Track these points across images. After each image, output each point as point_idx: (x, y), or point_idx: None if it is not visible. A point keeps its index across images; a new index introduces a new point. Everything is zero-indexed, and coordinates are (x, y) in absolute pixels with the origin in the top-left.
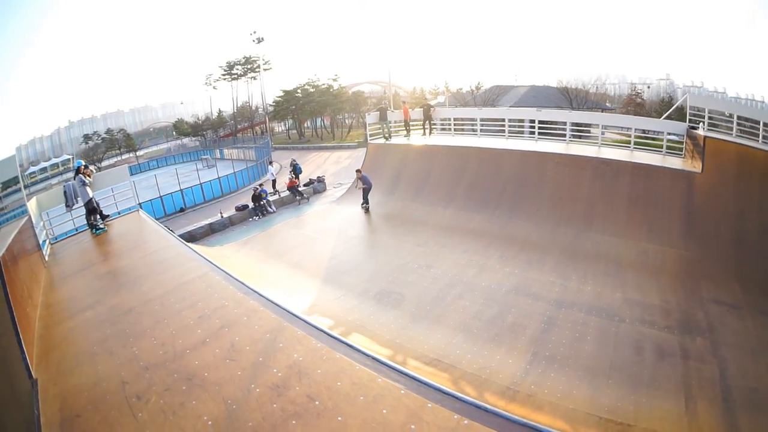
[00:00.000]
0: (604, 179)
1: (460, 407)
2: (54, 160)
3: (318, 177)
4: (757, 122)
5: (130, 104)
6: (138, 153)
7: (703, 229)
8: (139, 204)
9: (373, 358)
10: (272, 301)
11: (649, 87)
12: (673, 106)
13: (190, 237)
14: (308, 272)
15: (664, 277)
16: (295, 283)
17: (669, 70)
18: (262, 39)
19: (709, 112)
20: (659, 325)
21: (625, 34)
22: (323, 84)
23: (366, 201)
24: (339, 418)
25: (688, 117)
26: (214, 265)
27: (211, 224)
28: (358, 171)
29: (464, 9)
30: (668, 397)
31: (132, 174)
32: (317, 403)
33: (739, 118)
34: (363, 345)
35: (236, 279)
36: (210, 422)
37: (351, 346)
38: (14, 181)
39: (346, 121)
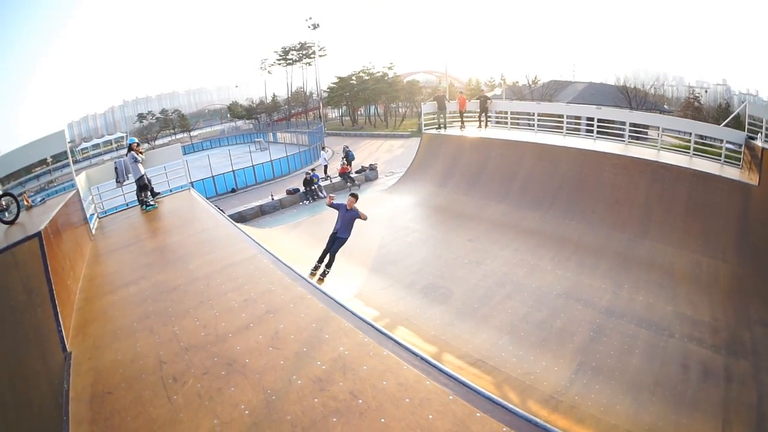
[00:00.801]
0: (663, 185)
1: (509, 419)
2: (107, 137)
3: (370, 164)
4: None
5: (185, 86)
6: (192, 133)
7: (757, 245)
8: (191, 183)
9: (422, 359)
10: (320, 289)
11: (706, 91)
12: (731, 113)
13: (241, 217)
14: (356, 260)
15: (715, 293)
16: (342, 270)
17: (725, 75)
18: (318, 25)
19: (767, 123)
20: (707, 343)
21: (682, 33)
22: (378, 72)
23: (332, 257)
24: (382, 420)
25: (746, 126)
26: (263, 248)
27: (261, 206)
28: (352, 196)
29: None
30: (707, 419)
31: (185, 153)
32: (360, 401)
33: None
34: (407, 339)
35: (285, 264)
36: (247, 411)
37: (399, 344)
38: (63, 155)
39: (400, 110)
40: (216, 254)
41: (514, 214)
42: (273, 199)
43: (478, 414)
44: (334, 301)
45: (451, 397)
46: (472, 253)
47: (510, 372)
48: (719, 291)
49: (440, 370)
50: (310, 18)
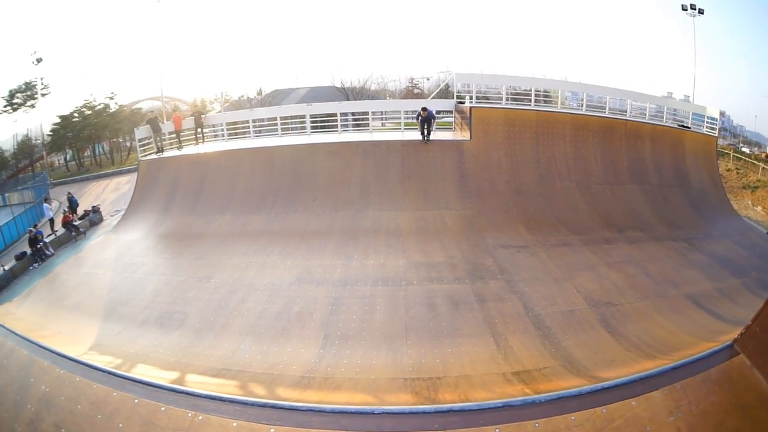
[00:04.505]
0: (376, 159)
1: (195, 403)
2: None
3: (93, 207)
4: (529, 91)
5: None
6: None
7: (479, 188)
8: None
9: (109, 373)
10: (25, 338)
11: (428, 79)
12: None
13: None
14: (89, 313)
15: (446, 237)
16: (77, 327)
17: (449, 64)
18: (41, 59)
19: (480, 90)
20: (448, 279)
21: (407, 38)
22: (99, 104)
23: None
24: None
25: (455, 94)
26: None
27: None
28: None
29: (244, 16)
30: (474, 341)
31: None
32: (63, 430)
33: (508, 88)
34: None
35: None
36: None
37: (90, 366)
38: None
39: (127, 143)
40: None
41: (239, 221)
42: (4, 269)
43: (163, 408)
44: (36, 344)
45: (136, 401)
46: (202, 270)
47: (256, 370)
48: (449, 234)
49: (126, 378)
50: (35, 52)
